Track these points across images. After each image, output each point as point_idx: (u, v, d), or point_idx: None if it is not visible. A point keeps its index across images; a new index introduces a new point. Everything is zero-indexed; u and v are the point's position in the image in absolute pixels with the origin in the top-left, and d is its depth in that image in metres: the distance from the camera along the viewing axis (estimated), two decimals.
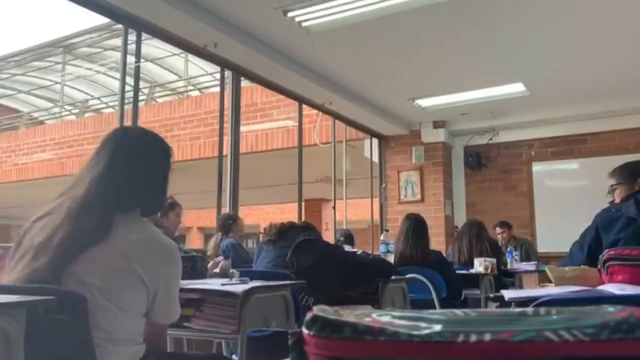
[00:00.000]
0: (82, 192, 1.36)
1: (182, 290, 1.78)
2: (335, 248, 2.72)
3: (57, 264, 1.24)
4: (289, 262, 2.39)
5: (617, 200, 2.10)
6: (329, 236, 7.09)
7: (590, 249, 1.90)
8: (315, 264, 2.37)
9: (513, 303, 0.85)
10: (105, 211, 1.33)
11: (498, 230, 5.48)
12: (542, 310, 0.44)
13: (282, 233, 2.57)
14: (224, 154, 4.61)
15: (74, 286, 1.23)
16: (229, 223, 4.10)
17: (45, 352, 1.14)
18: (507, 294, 0.88)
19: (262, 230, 2.74)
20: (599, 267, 1.07)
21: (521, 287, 4.36)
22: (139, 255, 1.31)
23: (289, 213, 9.38)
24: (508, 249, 4.98)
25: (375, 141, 7.19)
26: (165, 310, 1.39)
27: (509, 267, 4.71)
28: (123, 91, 3.95)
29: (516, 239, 5.60)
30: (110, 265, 1.28)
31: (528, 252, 5.44)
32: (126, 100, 4.01)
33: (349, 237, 5.05)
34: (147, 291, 1.33)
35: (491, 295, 3.82)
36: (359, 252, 3.15)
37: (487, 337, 0.37)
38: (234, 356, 2.44)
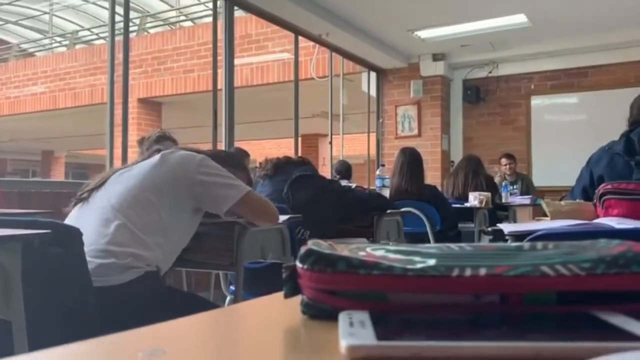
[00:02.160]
0: None
1: None
2: (332, 183, 2.72)
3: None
4: (285, 197, 2.40)
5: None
6: (325, 171, 7.11)
7: (584, 188, 1.92)
8: (311, 199, 2.38)
9: (509, 237, 0.85)
10: None
11: (504, 161, 5.51)
12: (539, 244, 0.44)
13: (279, 168, 2.56)
14: (219, 87, 4.53)
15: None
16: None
17: (43, 284, 1.15)
18: (506, 227, 0.88)
19: (257, 165, 2.73)
20: (594, 200, 1.07)
21: (515, 221, 4.43)
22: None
23: (285, 148, 9.37)
24: (503, 184, 5.02)
25: (373, 75, 7.07)
26: (222, 193, 1.58)
27: (503, 200, 4.77)
28: (113, 22, 3.82)
29: (517, 173, 5.64)
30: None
31: (528, 186, 5.49)
32: (117, 31, 3.89)
33: (347, 170, 5.06)
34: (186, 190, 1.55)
35: (486, 228, 3.89)
36: (354, 187, 3.17)
37: (482, 271, 0.37)
38: (231, 287, 2.51)
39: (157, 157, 1.60)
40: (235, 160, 1.87)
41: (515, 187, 5.38)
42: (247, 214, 1.69)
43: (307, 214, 2.20)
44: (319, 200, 2.43)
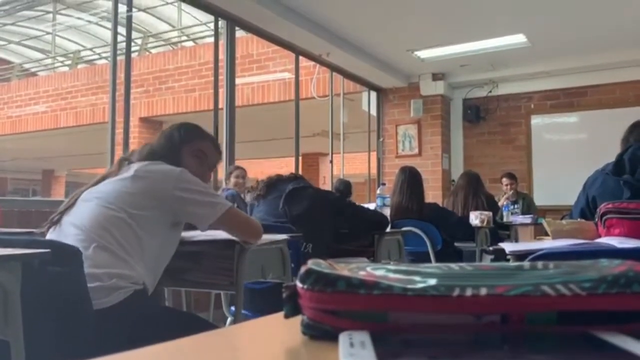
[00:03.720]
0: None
1: (179, 243, 1.80)
2: (327, 193, 2.72)
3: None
4: (282, 212, 2.39)
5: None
6: None
7: (582, 210, 1.94)
8: (307, 210, 2.37)
9: (510, 256, 0.85)
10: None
11: (505, 181, 5.49)
12: (539, 264, 0.44)
13: (271, 186, 2.55)
14: (220, 107, 4.56)
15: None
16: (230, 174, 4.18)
17: (42, 304, 1.15)
18: (507, 247, 0.88)
19: (249, 188, 2.72)
20: (596, 220, 1.07)
21: (517, 240, 4.41)
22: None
23: (286, 167, 9.39)
24: (505, 204, 5.01)
25: (373, 94, 7.11)
26: (201, 212, 1.55)
27: (504, 219, 4.75)
28: (115, 42, 3.86)
29: (519, 193, 5.63)
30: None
31: (529, 206, 5.47)
32: (119, 51, 3.93)
33: (347, 188, 5.06)
34: (162, 208, 1.52)
35: (488, 247, 3.87)
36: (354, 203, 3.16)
37: (483, 291, 0.37)
38: (232, 307, 2.49)
39: (130, 171, 1.53)
40: (199, 132, 1.80)
41: (516, 206, 5.37)
42: (228, 231, 1.66)
43: (306, 226, 2.20)
44: (316, 210, 2.42)
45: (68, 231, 1.45)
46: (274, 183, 2.56)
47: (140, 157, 1.62)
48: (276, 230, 2.08)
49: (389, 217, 3.01)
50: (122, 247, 1.41)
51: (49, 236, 1.50)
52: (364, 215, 2.72)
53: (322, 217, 2.43)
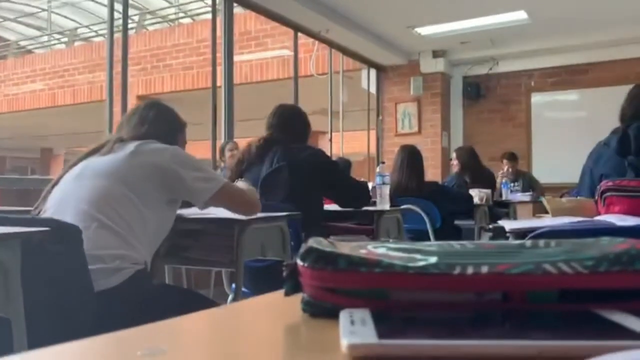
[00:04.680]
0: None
1: (179, 220, 1.80)
2: (305, 171, 2.32)
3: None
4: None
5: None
6: None
7: (590, 186, 1.88)
8: (285, 199, 2.22)
9: (510, 234, 0.85)
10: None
11: (506, 163, 5.45)
12: (541, 242, 0.43)
13: (244, 171, 2.36)
14: (218, 84, 4.52)
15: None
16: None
17: (42, 282, 1.15)
18: (507, 224, 0.87)
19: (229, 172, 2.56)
20: (595, 198, 1.07)
21: (515, 218, 4.43)
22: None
23: None
24: (504, 181, 5.01)
25: (373, 72, 7.05)
26: (199, 187, 1.56)
27: (503, 197, 4.76)
28: (112, 19, 3.81)
29: (518, 171, 5.61)
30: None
31: (531, 183, 5.45)
32: (115, 29, 3.88)
33: (346, 167, 5.05)
34: (162, 183, 1.52)
35: (486, 225, 3.89)
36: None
37: (484, 269, 0.37)
38: (233, 285, 2.50)
39: (129, 149, 1.54)
40: (177, 121, 1.79)
41: (516, 184, 5.37)
42: (225, 206, 1.68)
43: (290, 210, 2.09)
44: (295, 195, 2.21)
45: (67, 209, 1.43)
46: (245, 165, 2.38)
47: (135, 137, 1.61)
48: (277, 209, 2.08)
49: (388, 197, 3.00)
50: (125, 224, 1.42)
51: (46, 214, 1.49)
52: (348, 189, 2.57)
53: (307, 198, 2.27)
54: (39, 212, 1.51)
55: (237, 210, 1.71)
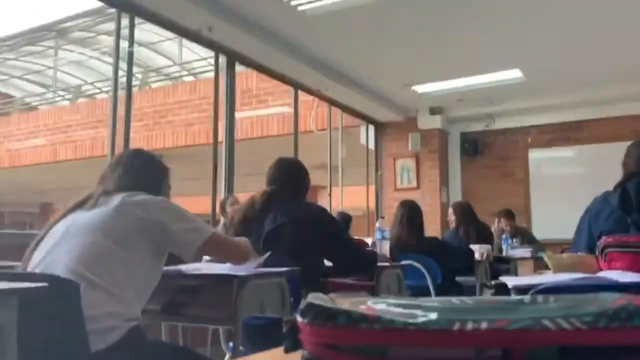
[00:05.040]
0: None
1: (177, 276, 1.79)
2: (311, 228, 2.30)
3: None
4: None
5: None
6: None
7: (586, 242, 1.87)
8: (290, 254, 2.16)
9: (512, 290, 0.84)
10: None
11: (505, 222, 5.41)
12: (540, 298, 0.44)
13: (245, 226, 2.31)
14: (219, 140, 4.59)
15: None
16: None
17: (39, 339, 1.13)
18: (509, 281, 0.87)
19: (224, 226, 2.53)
20: (596, 254, 1.07)
21: (517, 274, 4.38)
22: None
23: None
24: (503, 237, 4.99)
25: (371, 128, 7.17)
26: (186, 238, 1.54)
27: (504, 253, 4.73)
28: (116, 76, 3.92)
29: (517, 227, 5.59)
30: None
31: (530, 241, 5.42)
32: (120, 86, 3.98)
33: (345, 222, 5.03)
34: (149, 237, 1.50)
35: (488, 282, 3.84)
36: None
37: (483, 325, 0.37)
38: (230, 344, 2.45)
39: (115, 202, 1.51)
40: (161, 168, 1.78)
41: (515, 240, 5.34)
42: (215, 255, 1.67)
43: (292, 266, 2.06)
44: (299, 251, 2.17)
45: (54, 267, 1.39)
46: (249, 221, 2.33)
47: (120, 188, 1.59)
48: (274, 265, 2.05)
49: (387, 253, 2.98)
50: (114, 280, 1.38)
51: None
52: (352, 252, 2.50)
53: (307, 255, 2.21)
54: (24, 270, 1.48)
55: (226, 258, 1.70)
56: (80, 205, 1.55)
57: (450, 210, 4.64)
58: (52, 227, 1.53)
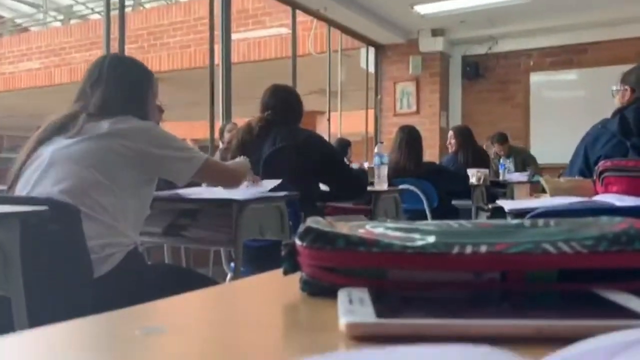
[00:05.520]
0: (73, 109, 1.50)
1: (177, 200, 1.80)
2: (309, 152, 2.32)
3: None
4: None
5: (616, 105, 2.07)
6: None
7: (580, 168, 1.90)
8: (289, 178, 2.17)
9: (508, 214, 0.85)
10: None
11: (497, 147, 5.41)
12: (540, 221, 0.43)
13: (244, 149, 2.32)
14: (216, 63, 4.48)
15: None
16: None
17: (42, 263, 1.15)
18: (506, 204, 0.87)
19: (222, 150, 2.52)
20: (594, 178, 1.07)
21: (512, 198, 4.44)
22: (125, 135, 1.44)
23: None
24: (500, 161, 5.01)
25: (371, 50, 7.00)
26: (178, 167, 1.50)
27: (501, 178, 4.76)
28: None
29: (511, 147, 5.58)
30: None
31: (524, 161, 5.43)
32: (112, 6, 3.83)
33: (342, 148, 5.03)
34: (139, 166, 1.45)
35: (484, 205, 3.90)
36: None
37: (482, 248, 0.37)
38: (232, 264, 2.52)
39: (101, 129, 1.42)
40: (151, 74, 1.66)
41: (509, 160, 5.36)
42: (208, 182, 1.66)
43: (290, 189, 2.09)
44: (297, 175, 2.20)
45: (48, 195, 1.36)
46: (247, 145, 2.34)
47: (104, 110, 1.49)
48: (276, 188, 2.07)
49: (386, 178, 3.00)
50: (107, 213, 1.36)
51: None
52: (346, 179, 2.52)
53: (306, 180, 2.25)
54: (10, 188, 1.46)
55: (220, 183, 1.69)
56: (63, 128, 1.46)
57: (451, 134, 4.62)
58: (35, 150, 1.46)
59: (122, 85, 1.54)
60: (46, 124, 1.51)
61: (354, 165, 3.25)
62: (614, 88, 2.09)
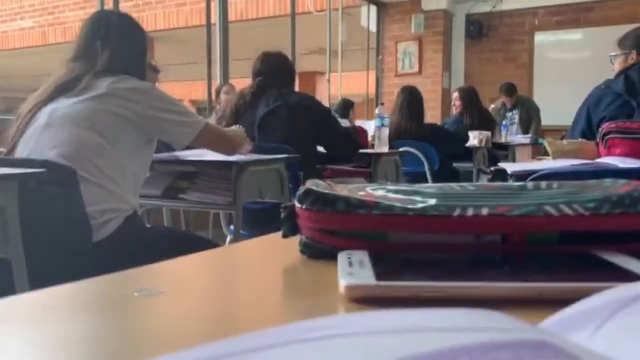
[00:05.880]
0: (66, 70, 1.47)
1: (176, 162, 1.80)
2: (304, 113, 2.34)
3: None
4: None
5: (616, 70, 2.06)
6: None
7: (582, 130, 1.90)
8: (284, 139, 2.20)
9: (510, 176, 0.84)
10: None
11: (504, 98, 5.39)
12: (543, 184, 0.43)
13: (238, 115, 2.36)
14: (212, 22, 4.39)
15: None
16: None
17: (40, 225, 1.15)
18: (509, 167, 0.87)
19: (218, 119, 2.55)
20: (597, 139, 1.06)
21: (514, 160, 4.43)
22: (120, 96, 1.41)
23: None
24: (503, 123, 4.97)
25: (373, 9, 6.85)
26: (177, 131, 1.49)
27: (503, 140, 4.74)
28: None
29: (519, 98, 5.53)
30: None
31: (528, 111, 5.40)
32: None
33: (343, 108, 4.99)
34: (138, 128, 1.43)
35: (485, 168, 3.90)
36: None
37: (484, 211, 0.36)
38: (231, 226, 2.53)
39: (100, 89, 1.40)
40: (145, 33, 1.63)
41: (514, 112, 5.34)
42: (206, 147, 1.65)
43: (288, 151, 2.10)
44: (292, 136, 2.21)
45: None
46: (241, 111, 2.36)
47: (106, 69, 1.45)
48: (276, 151, 2.07)
49: (386, 139, 2.98)
50: (106, 177, 1.35)
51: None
52: (340, 139, 2.53)
53: (302, 141, 2.25)
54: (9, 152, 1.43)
55: (218, 150, 1.67)
56: (67, 88, 1.43)
57: (456, 94, 4.56)
58: (37, 111, 1.43)
59: (130, 44, 1.52)
60: (47, 84, 1.48)
61: (344, 123, 3.19)
62: (613, 54, 2.07)
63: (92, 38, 1.50)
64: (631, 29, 2.11)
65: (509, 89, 5.38)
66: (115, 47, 1.47)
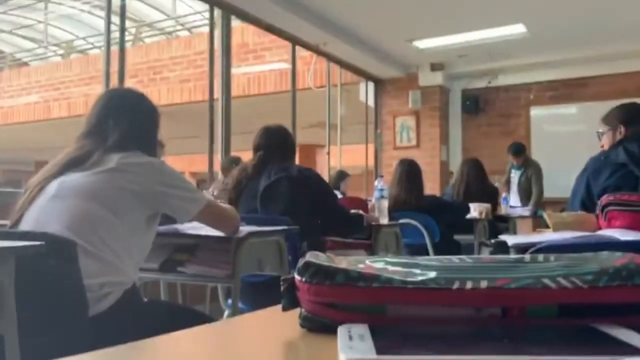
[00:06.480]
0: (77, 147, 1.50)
1: (175, 235, 1.79)
2: (305, 184, 2.36)
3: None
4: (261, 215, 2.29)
5: (605, 147, 2.10)
6: None
7: (582, 200, 1.90)
8: (286, 209, 2.22)
9: (511, 249, 0.84)
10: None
11: (512, 158, 5.48)
12: (540, 256, 0.43)
13: (241, 188, 2.39)
14: (215, 97, 4.53)
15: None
16: (232, 166, 4.11)
17: (37, 299, 1.13)
18: (510, 239, 0.87)
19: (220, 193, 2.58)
20: (597, 212, 1.07)
21: (515, 233, 4.41)
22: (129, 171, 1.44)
23: None
24: (503, 196, 5.00)
25: (371, 85, 7.09)
26: (182, 206, 1.51)
27: (503, 212, 4.75)
28: (109, 31, 3.83)
29: (527, 159, 5.60)
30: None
31: (532, 175, 5.46)
32: (112, 41, 3.89)
33: (337, 180, 5.03)
34: (144, 202, 1.45)
35: (486, 240, 3.87)
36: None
37: (483, 284, 0.36)
38: (229, 300, 2.48)
39: (109, 164, 1.42)
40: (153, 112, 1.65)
41: (523, 172, 5.43)
42: (208, 224, 1.65)
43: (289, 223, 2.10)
44: (294, 207, 2.23)
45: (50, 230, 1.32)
46: (243, 184, 2.39)
47: (115, 146, 1.48)
48: (274, 223, 2.07)
49: (386, 211, 2.99)
50: (109, 249, 1.35)
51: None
52: (337, 212, 2.54)
53: (304, 213, 2.26)
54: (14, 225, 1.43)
55: (216, 228, 1.67)
56: (77, 164, 1.45)
57: (459, 168, 4.60)
58: (45, 184, 1.44)
59: (141, 123, 1.56)
60: (57, 159, 1.50)
61: (344, 195, 3.20)
62: (600, 130, 2.13)
63: (105, 115, 1.53)
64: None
65: (517, 150, 5.48)
66: (127, 125, 1.51)
